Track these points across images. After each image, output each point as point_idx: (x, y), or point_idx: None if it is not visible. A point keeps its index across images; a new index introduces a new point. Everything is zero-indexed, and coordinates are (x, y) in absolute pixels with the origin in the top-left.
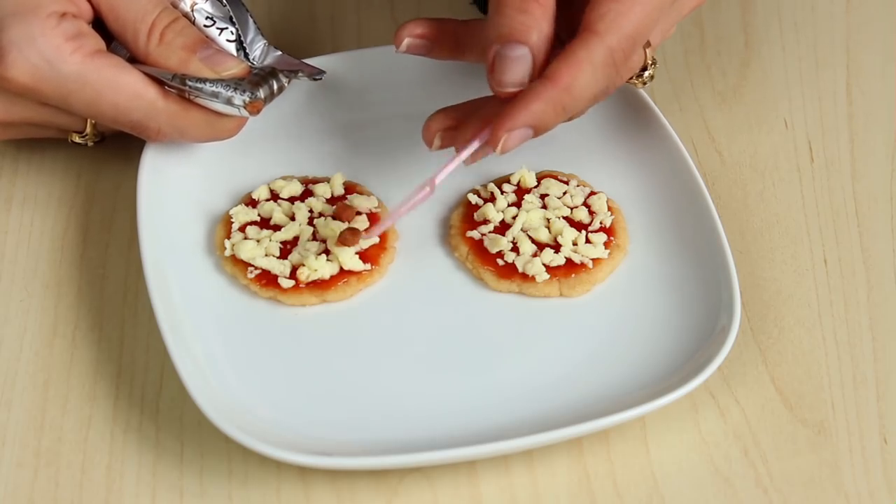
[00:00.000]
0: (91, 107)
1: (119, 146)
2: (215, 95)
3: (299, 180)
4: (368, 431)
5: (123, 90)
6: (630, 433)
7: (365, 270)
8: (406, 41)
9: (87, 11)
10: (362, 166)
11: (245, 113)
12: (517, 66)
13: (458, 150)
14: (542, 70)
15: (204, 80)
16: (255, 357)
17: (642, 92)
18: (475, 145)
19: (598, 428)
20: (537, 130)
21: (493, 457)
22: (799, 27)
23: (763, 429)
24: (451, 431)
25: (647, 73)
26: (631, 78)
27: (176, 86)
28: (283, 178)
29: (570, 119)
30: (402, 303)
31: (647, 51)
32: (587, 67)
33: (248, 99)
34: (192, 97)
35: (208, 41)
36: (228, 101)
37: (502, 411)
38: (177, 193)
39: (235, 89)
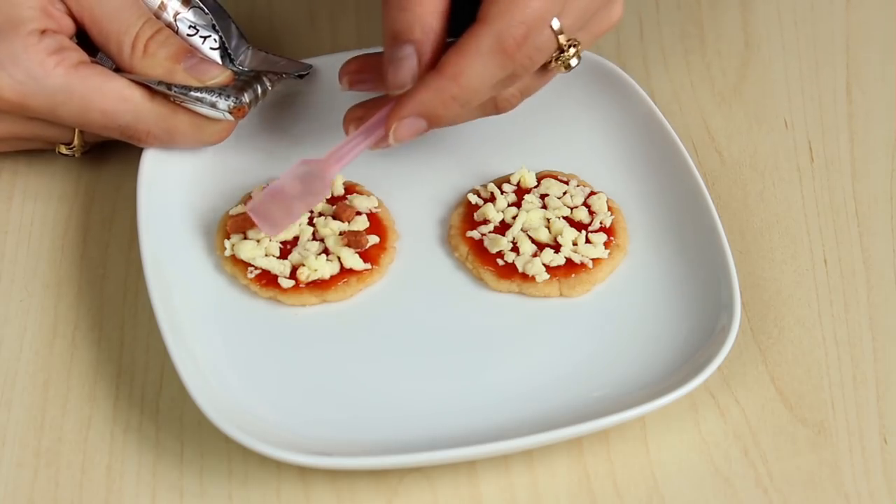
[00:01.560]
0: (80, 116)
1: (119, 146)
2: (200, 101)
3: None
4: (368, 431)
5: (110, 95)
6: (630, 433)
7: (365, 270)
8: (345, 79)
9: (69, 27)
10: (362, 166)
11: (229, 117)
12: (403, 64)
13: (354, 136)
14: (434, 65)
15: (188, 87)
16: (256, 357)
17: (642, 92)
18: (367, 138)
19: (598, 428)
20: (430, 121)
21: (493, 457)
22: (799, 27)
23: (763, 429)
24: (451, 431)
25: (565, 55)
26: (549, 63)
27: (162, 91)
28: None
29: (497, 111)
30: (402, 303)
31: (560, 37)
32: (474, 55)
33: (232, 104)
34: (177, 102)
35: (192, 50)
36: (213, 106)
37: (502, 411)
38: (177, 193)
39: (220, 94)
